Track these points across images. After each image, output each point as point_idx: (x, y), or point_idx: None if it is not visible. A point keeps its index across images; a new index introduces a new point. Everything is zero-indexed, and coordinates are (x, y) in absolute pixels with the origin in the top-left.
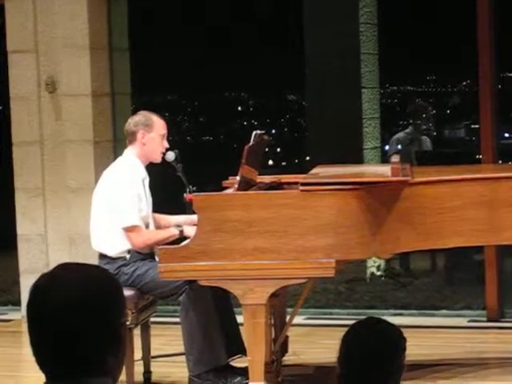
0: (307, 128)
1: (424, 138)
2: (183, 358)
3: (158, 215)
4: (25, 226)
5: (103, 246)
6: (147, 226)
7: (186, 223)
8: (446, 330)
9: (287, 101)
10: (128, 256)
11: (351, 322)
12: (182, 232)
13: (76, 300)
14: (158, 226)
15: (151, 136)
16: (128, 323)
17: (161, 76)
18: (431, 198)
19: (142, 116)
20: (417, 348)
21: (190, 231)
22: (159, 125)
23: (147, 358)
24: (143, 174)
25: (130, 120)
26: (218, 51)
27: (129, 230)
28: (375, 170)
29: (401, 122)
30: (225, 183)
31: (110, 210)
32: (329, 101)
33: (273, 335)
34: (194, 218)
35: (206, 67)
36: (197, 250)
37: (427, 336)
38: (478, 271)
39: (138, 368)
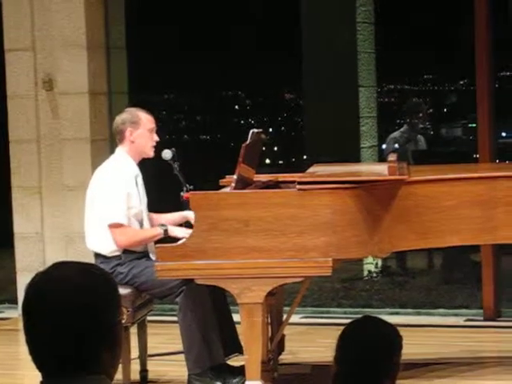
0: (304, 127)
1: (419, 136)
2: (180, 356)
3: (154, 215)
4: (22, 225)
5: (97, 244)
6: (141, 224)
7: (180, 221)
8: (442, 329)
9: (284, 99)
10: (123, 255)
11: (348, 321)
12: (166, 231)
13: (71, 298)
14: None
15: (139, 132)
16: (124, 321)
17: (158, 75)
18: (428, 197)
19: (128, 113)
20: (413, 347)
21: (174, 231)
22: (146, 120)
23: (144, 357)
24: (135, 171)
25: (117, 118)
26: (215, 50)
27: (113, 227)
28: (372, 169)
29: (398, 121)
30: (222, 182)
31: (99, 208)
32: (326, 99)
33: (269, 334)
34: (188, 214)
35: (203, 66)
36: (194, 249)
37: (424, 335)
38: (475, 270)
39: (135, 366)
